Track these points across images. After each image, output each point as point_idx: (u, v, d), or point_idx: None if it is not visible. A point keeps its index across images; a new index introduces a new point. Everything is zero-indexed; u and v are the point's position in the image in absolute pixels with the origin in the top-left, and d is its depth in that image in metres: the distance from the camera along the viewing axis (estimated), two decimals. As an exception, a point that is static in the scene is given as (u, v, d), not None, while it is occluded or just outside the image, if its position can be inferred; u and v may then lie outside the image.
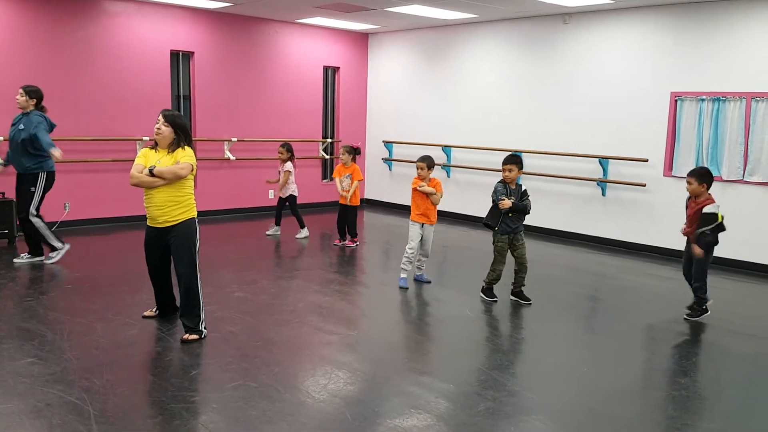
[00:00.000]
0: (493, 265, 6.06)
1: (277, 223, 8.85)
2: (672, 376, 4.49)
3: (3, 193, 7.88)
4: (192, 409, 3.68)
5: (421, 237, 6.49)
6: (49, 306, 5.56)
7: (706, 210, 5.41)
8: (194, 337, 4.75)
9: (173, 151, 4.71)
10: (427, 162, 6.41)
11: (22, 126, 6.50)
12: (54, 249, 6.83)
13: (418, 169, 6.42)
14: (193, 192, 4.84)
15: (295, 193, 8.71)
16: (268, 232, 8.86)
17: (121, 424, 3.45)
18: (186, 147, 4.75)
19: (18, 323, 5.00)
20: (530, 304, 6.01)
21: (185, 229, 4.75)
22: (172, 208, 4.70)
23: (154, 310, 5.24)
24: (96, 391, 3.82)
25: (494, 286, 6.13)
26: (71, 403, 3.66)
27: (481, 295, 6.17)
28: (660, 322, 5.68)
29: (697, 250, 5.44)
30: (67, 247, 6.93)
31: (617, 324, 5.72)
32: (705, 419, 3.88)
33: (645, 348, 5.19)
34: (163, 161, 4.68)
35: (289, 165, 8.61)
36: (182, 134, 4.75)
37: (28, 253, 6.90)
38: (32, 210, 6.64)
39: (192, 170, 4.72)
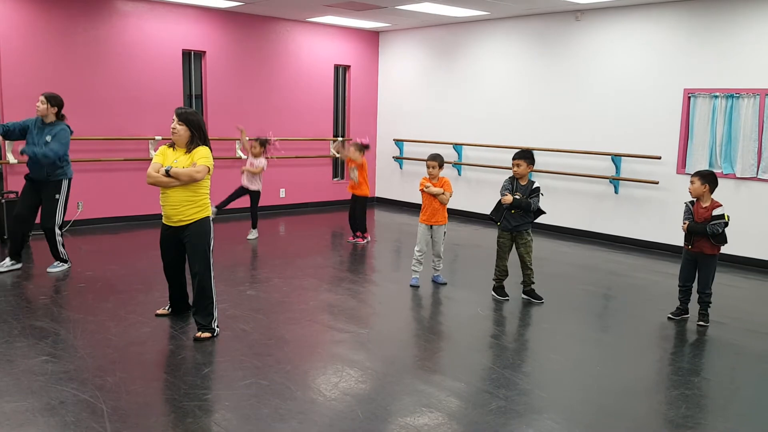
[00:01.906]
0: (496, 261, 6.10)
1: (219, 208, 8.46)
2: (685, 375, 4.46)
3: (16, 193, 7.94)
4: (204, 407, 3.70)
5: (431, 238, 6.47)
6: (62, 304, 5.61)
7: (716, 213, 5.35)
8: (207, 335, 4.77)
9: (191, 150, 4.72)
10: (439, 161, 6.36)
11: (49, 138, 6.25)
12: (61, 260, 6.61)
13: (428, 168, 6.39)
14: (208, 192, 4.85)
15: (260, 190, 8.52)
16: (250, 237, 8.63)
17: (134, 422, 3.47)
18: (203, 146, 4.74)
19: (32, 322, 5.05)
20: (542, 302, 6.00)
21: (199, 228, 4.76)
22: (187, 207, 4.71)
23: (167, 308, 5.27)
24: (109, 389, 3.85)
25: (505, 285, 6.12)
26: (84, 401, 3.69)
27: (493, 293, 6.16)
28: (672, 320, 5.64)
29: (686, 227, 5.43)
30: (69, 265, 6.69)
31: (629, 322, 5.68)
32: (718, 418, 3.85)
33: (657, 346, 5.15)
34: (180, 161, 4.69)
35: (263, 162, 8.42)
36: (197, 132, 4.74)
37: (9, 258, 6.59)
38: (58, 221, 6.48)
39: (208, 172, 4.72)
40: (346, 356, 4.54)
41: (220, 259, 6.92)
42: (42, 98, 6.33)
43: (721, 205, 5.40)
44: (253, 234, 8.62)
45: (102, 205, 9.15)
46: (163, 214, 4.83)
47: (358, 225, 8.41)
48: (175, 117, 4.71)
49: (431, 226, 6.44)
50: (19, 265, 6.62)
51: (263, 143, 8.47)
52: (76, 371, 4.11)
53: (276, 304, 5.74)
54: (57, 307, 5.51)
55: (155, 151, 9.30)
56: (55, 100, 6.36)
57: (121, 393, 3.81)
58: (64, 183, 6.51)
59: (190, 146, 4.73)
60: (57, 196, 6.47)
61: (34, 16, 8.39)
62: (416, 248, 6.48)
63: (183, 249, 4.86)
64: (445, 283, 6.56)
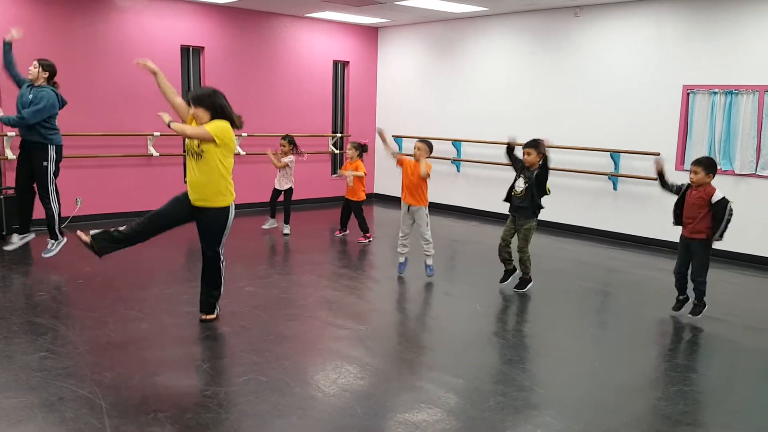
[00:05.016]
0: None
1: (272, 216, 8.77)
2: (682, 371, 4.47)
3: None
4: (203, 403, 3.70)
5: (413, 221, 6.45)
6: (61, 300, 5.61)
7: (715, 200, 5.28)
8: (211, 316, 5.02)
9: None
10: (428, 145, 6.39)
11: (31, 96, 6.33)
12: (55, 238, 6.62)
13: (415, 149, 6.37)
14: (230, 176, 4.81)
15: (293, 187, 8.64)
16: (264, 226, 8.79)
17: (132, 418, 3.48)
18: (220, 119, 4.67)
19: (30, 318, 5.05)
20: (517, 292, 6.13)
21: (217, 217, 4.80)
22: (207, 189, 4.72)
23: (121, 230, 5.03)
24: (108, 385, 3.85)
25: (508, 269, 6.30)
26: (83, 397, 3.69)
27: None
28: (671, 317, 5.64)
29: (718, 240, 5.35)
30: (65, 240, 6.71)
31: (628, 319, 5.69)
32: (716, 414, 3.86)
33: (656, 342, 5.17)
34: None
35: (290, 157, 8.52)
36: (214, 109, 4.67)
37: (18, 233, 6.78)
38: (51, 187, 6.49)
39: (215, 143, 4.60)
40: (345, 352, 4.55)
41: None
42: (35, 63, 6.43)
43: (715, 190, 5.32)
44: (286, 229, 8.70)
45: (100, 201, 9.13)
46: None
47: (360, 226, 8.38)
48: (191, 103, 4.69)
49: (409, 207, 6.43)
50: (31, 236, 6.78)
51: (292, 141, 8.54)
52: (74, 367, 4.11)
53: (275, 301, 5.74)
54: (56, 303, 5.51)
55: (153, 148, 9.34)
56: (48, 67, 6.46)
57: (120, 389, 3.82)
58: (50, 148, 6.47)
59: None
60: (45, 163, 6.46)
61: (31, 12, 8.37)
62: (400, 231, 6.55)
63: (185, 217, 4.85)
64: (431, 275, 6.53)
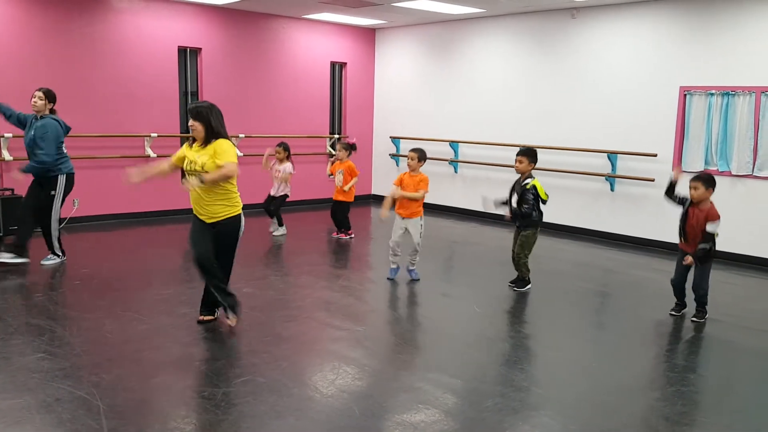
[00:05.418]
0: None
1: (280, 223, 8.83)
2: (681, 372, 4.47)
3: (12, 190, 7.93)
4: (201, 404, 3.69)
5: (406, 230, 6.44)
6: (58, 302, 5.59)
7: (710, 229, 5.30)
8: (210, 317, 5.04)
9: (207, 144, 4.69)
10: (419, 153, 6.40)
11: (33, 132, 6.32)
12: (54, 254, 6.67)
13: (408, 159, 6.43)
14: (235, 187, 4.83)
15: (289, 194, 8.68)
16: (276, 234, 8.82)
17: (130, 419, 3.47)
18: (222, 139, 4.68)
19: (28, 319, 5.03)
20: (515, 290, 6.21)
21: (228, 227, 4.80)
22: (212, 205, 4.72)
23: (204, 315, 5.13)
24: (105, 387, 3.84)
25: (520, 276, 6.33)
26: (81, 398, 3.68)
27: None
28: (668, 318, 5.65)
29: (689, 260, 5.37)
30: (63, 259, 6.73)
31: (626, 319, 5.70)
32: (713, 414, 3.86)
33: (654, 343, 5.17)
34: (200, 157, 4.67)
35: (290, 166, 8.55)
36: (209, 124, 4.68)
37: (10, 252, 6.55)
38: (54, 216, 6.54)
39: (233, 169, 4.62)
40: (343, 353, 4.54)
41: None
42: (40, 94, 6.36)
43: (717, 216, 5.31)
44: (279, 231, 8.73)
45: (98, 202, 9.12)
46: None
47: (342, 224, 8.50)
48: (189, 116, 4.72)
49: (403, 218, 6.43)
50: (21, 260, 6.52)
51: (287, 148, 8.56)
52: (72, 368, 4.10)
53: (272, 302, 5.74)
54: (53, 304, 5.50)
55: (150, 149, 9.33)
56: (51, 96, 6.44)
57: (117, 390, 3.81)
58: (60, 179, 6.53)
59: (207, 140, 4.70)
60: (53, 192, 6.52)
61: (28, 12, 8.35)
62: (390, 241, 6.52)
63: (211, 237, 4.83)
64: (418, 279, 6.53)
